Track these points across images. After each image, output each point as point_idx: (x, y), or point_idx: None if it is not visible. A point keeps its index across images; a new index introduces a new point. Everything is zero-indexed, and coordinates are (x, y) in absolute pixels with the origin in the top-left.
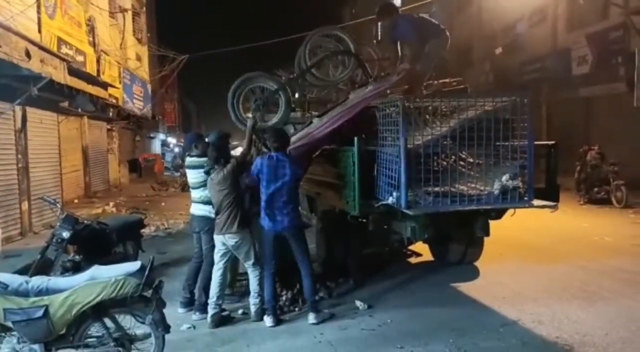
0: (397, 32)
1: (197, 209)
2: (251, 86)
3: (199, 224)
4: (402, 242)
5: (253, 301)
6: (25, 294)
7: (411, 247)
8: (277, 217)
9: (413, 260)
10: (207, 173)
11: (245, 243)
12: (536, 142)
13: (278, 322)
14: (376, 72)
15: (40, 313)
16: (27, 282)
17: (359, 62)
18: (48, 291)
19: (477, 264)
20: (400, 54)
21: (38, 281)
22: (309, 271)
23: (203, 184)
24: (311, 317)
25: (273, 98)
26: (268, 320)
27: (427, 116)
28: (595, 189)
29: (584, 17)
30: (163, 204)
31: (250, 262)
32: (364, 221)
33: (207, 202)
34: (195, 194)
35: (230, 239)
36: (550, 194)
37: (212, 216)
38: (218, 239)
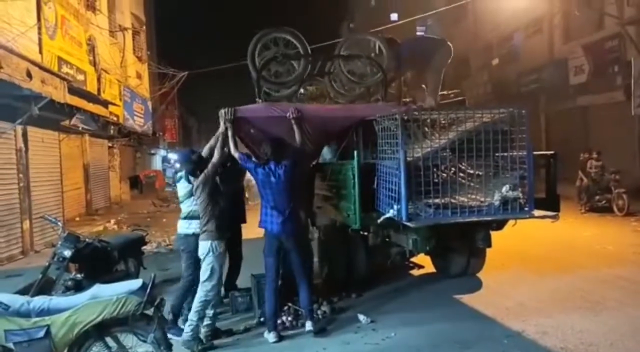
0: (401, 64)
1: (179, 226)
2: (276, 35)
3: (178, 242)
4: (404, 254)
5: (186, 330)
6: (27, 314)
7: (413, 260)
8: (277, 219)
9: (415, 272)
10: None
11: (210, 256)
12: (535, 153)
13: (280, 338)
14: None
15: (41, 334)
16: (28, 303)
17: (383, 78)
18: (49, 311)
19: (479, 275)
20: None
21: (39, 301)
22: (306, 278)
23: (187, 197)
24: (308, 325)
25: (288, 63)
26: (270, 336)
27: (426, 129)
28: (597, 198)
29: (580, 27)
30: (164, 220)
31: (205, 276)
32: (366, 234)
33: (188, 217)
34: (182, 208)
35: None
36: (551, 204)
37: (190, 231)
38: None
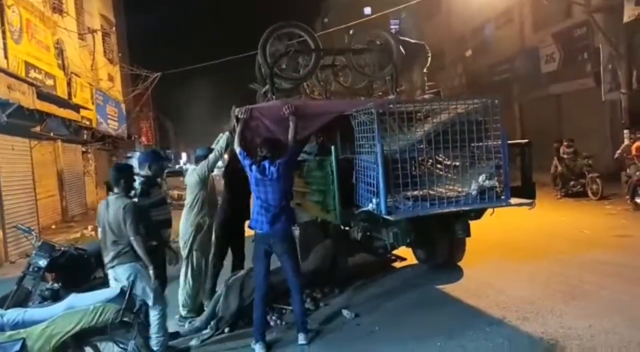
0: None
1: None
2: (289, 30)
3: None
4: (385, 247)
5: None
6: (1, 328)
7: (395, 252)
8: (268, 219)
9: (397, 264)
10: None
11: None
12: (510, 142)
13: (268, 349)
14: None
15: (17, 347)
16: (2, 316)
17: (394, 73)
18: (24, 324)
19: (460, 264)
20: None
21: (14, 314)
22: (300, 289)
23: None
24: (301, 338)
25: (299, 57)
26: (257, 347)
27: (402, 121)
28: (571, 183)
29: (549, 16)
30: None
31: (150, 301)
32: (347, 229)
33: None
34: None
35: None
36: (527, 192)
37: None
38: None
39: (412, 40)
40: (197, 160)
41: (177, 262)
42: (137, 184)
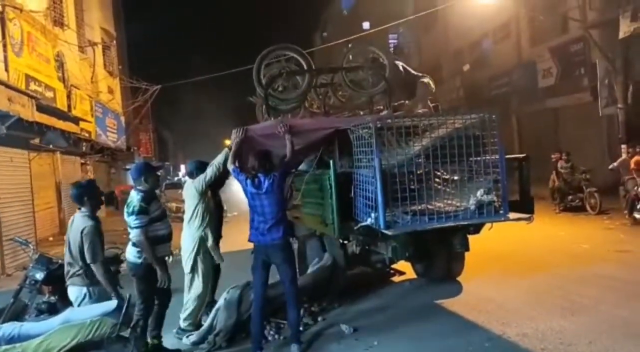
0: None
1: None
2: (280, 52)
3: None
4: (384, 261)
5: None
6: None
7: (394, 266)
8: (265, 231)
9: (396, 278)
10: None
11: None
12: (507, 156)
13: None
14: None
15: None
16: None
17: (387, 88)
18: (20, 338)
19: (459, 279)
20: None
21: (9, 328)
22: (296, 299)
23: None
24: (294, 349)
25: (293, 78)
26: None
27: (400, 136)
28: (570, 197)
29: (546, 31)
30: None
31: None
32: (345, 242)
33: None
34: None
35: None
36: (525, 206)
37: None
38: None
39: (415, 72)
40: (190, 175)
41: (167, 283)
42: (135, 201)
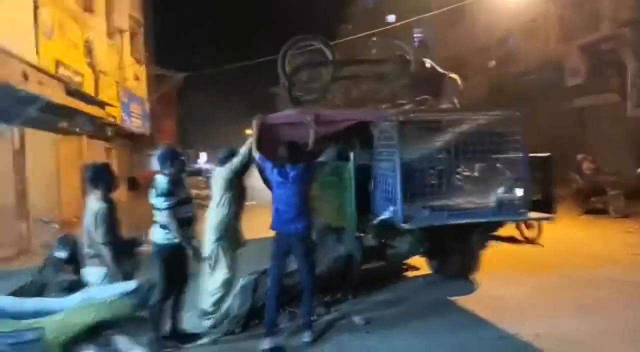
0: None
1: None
2: (305, 43)
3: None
4: (399, 256)
5: None
6: (20, 316)
7: (408, 261)
8: (288, 220)
9: (411, 273)
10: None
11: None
12: (531, 154)
13: (275, 346)
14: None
15: (34, 335)
16: (21, 304)
17: (411, 82)
18: (43, 313)
19: (474, 276)
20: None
21: (33, 303)
22: (311, 289)
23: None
24: (306, 336)
25: (318, 69)
26: (266, 342)
27: (422, 131)
28: (592, 199)
29: (576, 29)
30: None
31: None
32: (361, 235)
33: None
34: None
35: None
36: (546, 206)
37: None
38: None
39: (441, 70)
40: (221, 162)
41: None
42: (163, 184)
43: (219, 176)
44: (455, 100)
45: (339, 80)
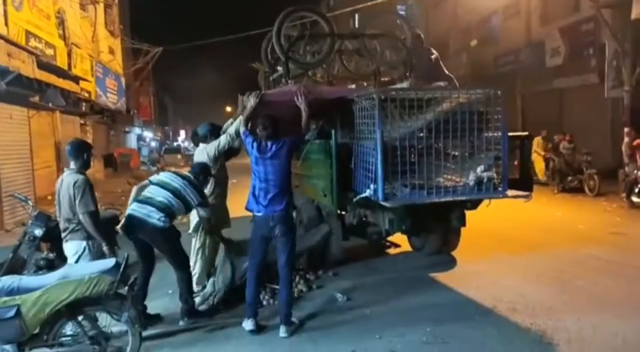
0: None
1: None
2: (302, 14)
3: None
4: (380, 233)
5: None
6: None
7: (390, 238)
8: (266, 199)
9: (392, 251)
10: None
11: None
12: (510, 134)
13: (258, 327)
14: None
15: (11, 313)
16: None
17: (407, 56)
18: (20, 290)
19: (454, 254)
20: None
21: (9, 281)
22: (289, 278)
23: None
24: (282, 330)
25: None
26: (248, 324)
27: (403, 109)
28: (569, 178)
29: (557, 10)
30: None
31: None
32: (343, 213)
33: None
34: None
35: None
36: (524, 185)
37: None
38: None
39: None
40: (203, 139)
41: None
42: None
43: (203, 153)
44: (455, 80)
45: (340, 54)
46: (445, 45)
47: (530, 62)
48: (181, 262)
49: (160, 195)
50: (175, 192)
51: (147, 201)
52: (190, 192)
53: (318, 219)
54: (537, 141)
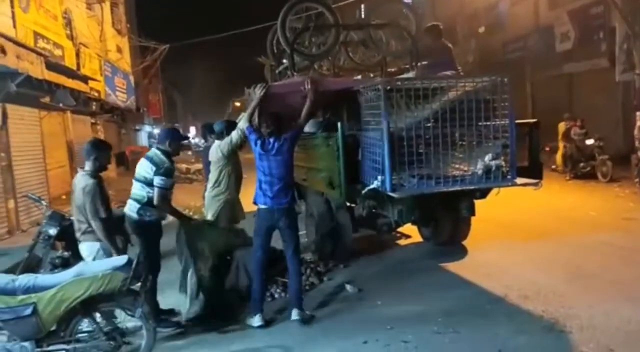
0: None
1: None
2: (307, 5)
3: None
4: (390, 225)
5: None
6: (13, 292)
7: (400, 229)
8: (271, 193)
9: (402, 242)
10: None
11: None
12: (518, 121)
13: (265, 322)
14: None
15: (28, 311)
16: (14, 281)
17: (413, 45)
18: (35, 289)
19: (464, 243)
20: None
21: (25, 279)
22: (298, 268)
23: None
24: (294, 314)
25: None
26: (255, 320)
27: (409, 99)
28: (581, 165)
29: None
30: None
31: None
32: (352, 205)
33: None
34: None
35: None
36: (534, 172)
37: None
38: None
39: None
40: (219, 136)
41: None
42: (165, 162)
43: (217, 150)
44: (459, 68)
45: (346, 46)
46: (453, 32)
47: (539, 47)
48: (151, 261)
49: (135, 187)
50: (141, 180)
51: (131, 196)
52: (149, 169)
53: (328, 212)
54: (561, 127)
